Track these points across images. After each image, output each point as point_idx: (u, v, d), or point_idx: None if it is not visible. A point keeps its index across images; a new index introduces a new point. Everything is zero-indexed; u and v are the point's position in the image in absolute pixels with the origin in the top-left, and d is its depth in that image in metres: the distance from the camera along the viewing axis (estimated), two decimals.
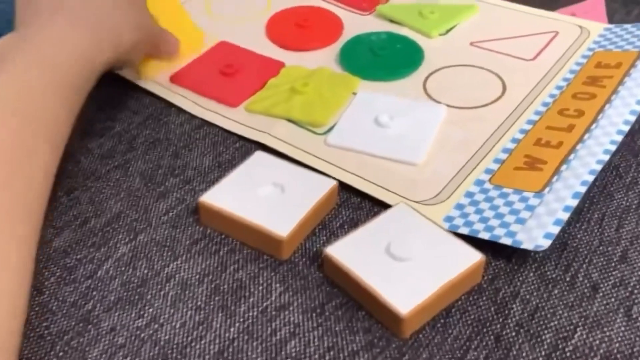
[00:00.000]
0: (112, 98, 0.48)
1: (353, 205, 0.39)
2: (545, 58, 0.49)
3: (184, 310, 0.32)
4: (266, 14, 0.56)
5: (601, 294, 0.33)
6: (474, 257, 0.33)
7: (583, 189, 0.36)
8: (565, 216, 0.35)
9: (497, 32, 0.52)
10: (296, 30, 0.53)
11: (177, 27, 0.49)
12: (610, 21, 0.54)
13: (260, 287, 0.34)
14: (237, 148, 0.43)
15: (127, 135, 0.44)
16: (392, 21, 0.55)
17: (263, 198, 0.37)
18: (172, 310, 0.32)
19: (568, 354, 0.31)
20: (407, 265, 0.33)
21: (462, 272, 0.33)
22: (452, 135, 0.43)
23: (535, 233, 0.34)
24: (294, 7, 0.56)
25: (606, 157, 0.38)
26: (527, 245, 0.34)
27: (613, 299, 0.33)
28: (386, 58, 0.50)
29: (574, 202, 0.35)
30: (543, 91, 0.46)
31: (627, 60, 0.46)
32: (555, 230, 0.34)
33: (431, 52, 0.51)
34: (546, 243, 0.33)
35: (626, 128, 0.40)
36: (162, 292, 0.33)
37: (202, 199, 0.37)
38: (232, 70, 0.48)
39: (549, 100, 0.45)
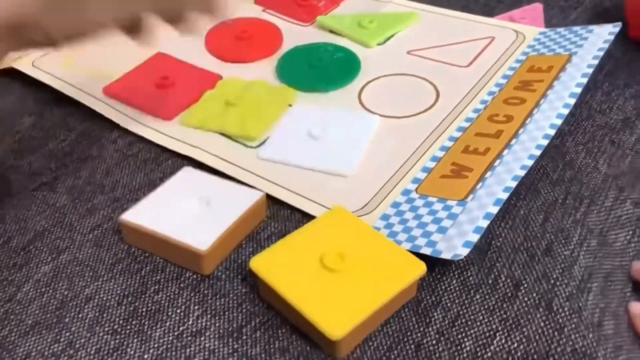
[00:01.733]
0: (46, 113, 0.47)
1: (282, 218, 0.39)
2: (480, 64, 0.49)
3: (101, 334, 0.32)
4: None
5: (523, 291, 0.33)
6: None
7: (505, 196, 0.36)
8: (485, 223, 0.35)
9: (434, 40, 0.53)
10: (235, 42, 0.53)
11: None
12: (548, 26, 0.54)
13: (178, 310, 0.33)
14: (169, 165, 0.43)
15: (59, 152, 0.44)
16: (332, 32, 0.55)
17: (187, 213, 0.36)
18: (88, 335, 0.32)
19: None
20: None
21: (402, 287, 0.32)
22: (384, 145, 0.43)
23: (455, 242, 0.34)
24: (234, 19, 0.56)
25: (530, 162, 0.38)
26: (446, 254, 0.34)
27: (534, 295, 0.33)
28: (323, 69, 0.50)
29: (495, 209, 0.35)
30: (475, 97, 0.46)
31: (558, 63, 0.47)
32: (475, 238, 0.34)
33: (368, 62, 0.51)
34: (464, 252, 0.33)
35: (552, 132, 0.40)
36: (80, 315, 0.33)
37: (123, 217, 0.36)
38: (167, 83, 0.48)
39: (480, 107, 0.45)
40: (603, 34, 0.48)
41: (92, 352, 0.31)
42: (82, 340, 0.32)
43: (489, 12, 0.57)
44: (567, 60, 0.47)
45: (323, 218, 0.36)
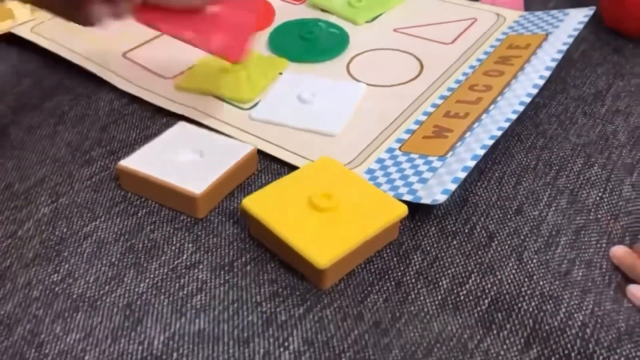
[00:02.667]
0: (44, 76, 0.49)
1: (273, 171, 0.41)
2: (463, 41, 0.52)
3: (98, 266, 0.34)
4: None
5: (496, 242, 0.36)
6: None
7: (482, 152, 0.38)
8: (462, 175, 0.37)
9: (420, 20, 0.55)
10: None
11: None
12: (528, 11, 0.57)
13: (173, 247, 0.35)
14: (164, 123, 0.45)
15: (57, 110, 0.46)
16: (322, 10, 0.57)
17: (181, 162, 0.38)
18: (87, 267, 0.34)
19: (462, 297, 0.33)
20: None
21: (384, 225, 0.34)
22: (370, 110, 0.45)
23: (435, 190, 0.36)
24: None
25: (506, 125, 0.41)
26: (426, 200, 0.36)
27: (507, 247, 0.35)
28: (313, 42, 0.52)
29: (472, 163, 0.38)
30: (457, 70, 0.49)
31: (535, 41, 0.49)
32: (453, 187, 0.36)
33: (357, 38, 0.53)
34: (442, 198, 0.36)
35: (528, 99, 0.43)
36: (78, 250, 0.35)
37: (122, 163, 0.38)
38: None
39: (462, 78, 0.47)
40: (578, 16, 0.51)
41: (91, 280, 0.33)
42: (81, 271, 0.33)
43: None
44: (544, 39, 0.49)
45: (312, 165, 0.38)
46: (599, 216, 0.38)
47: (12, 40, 0.53)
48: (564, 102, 0.47)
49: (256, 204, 0.35)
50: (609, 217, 0.37)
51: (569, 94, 0.47)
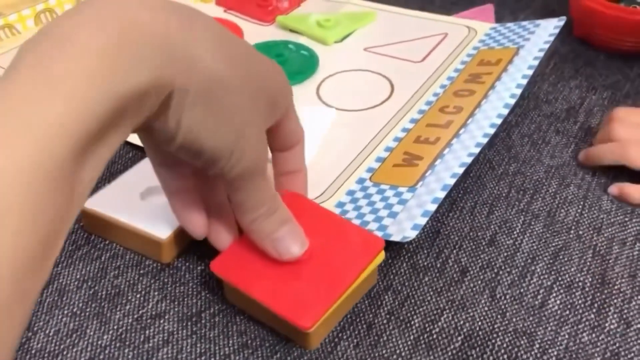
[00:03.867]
0: None
1: None
2: (433, 59, 0.51)
3: (60, 317, 0.33)
4: None
5: (469, 277, 0.35)
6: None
7: (452, 182, 0.38)
8: (433, 207, 0.36)
9: (390, 37, 0.54)
10: None
11: None
12: (499, 22, 0.56)
13: (138, 295, 0.34)
14: (130, 158, 0.44)
15: None
16: (292, 31, 0.56)
17: (146, 203, 0.37)
18: (47, 318, 0.33)
19: (435, 335, 0.32)
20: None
21: (369, 268, 0.32)
22: (340, 137, 0.44)
23: (405, 225, 0.36)
24: None
25: (477, 150, 0.40)
26: (396, 237, 0.35)
27: (479, 282, 0.35)
28: (282, 65, 0.50)
29: (443, 194, 0.37)
30: (428, 91, 0.48)
31: (506, 56, 0.49)
32: (423, 221, 0.35)
33: (327, 59, 0.52)
34: (413, 234, 0.35)
35: (499, 121, 0.42)
36: (39, 300, 0.34)
37: (85, 205, 0.37)
38: None
39: (433, 99, 0.47)
40: (549, 28, 0.50)
41: (51, 333, 0.32)
42: (41, 323, 0.32)
43: (444, 13, 0.59)
44: (515, 53, 0.49)
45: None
46: (580, 232, 0.37)
47: None
48: (537, 120, 0.46)
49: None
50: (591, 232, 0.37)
51: (541, 111, 0.47)
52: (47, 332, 0.32)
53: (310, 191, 0.40)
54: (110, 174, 0.42)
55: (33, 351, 0.31)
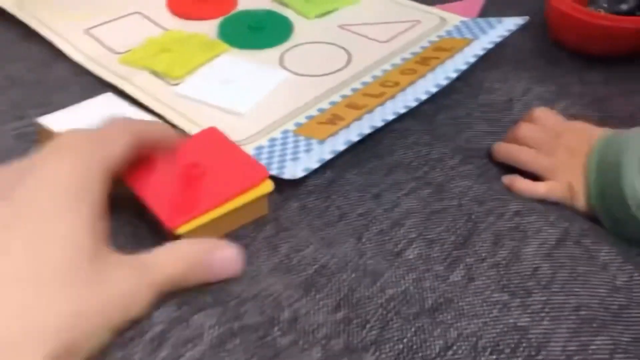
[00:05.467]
0: (18, 45, 0.55)
1: None
2: (397, 41, 0.55)
3: None
4: None
5: (344, 222, 0.38)
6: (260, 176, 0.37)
7: (355, 139, 0.41)
8: (329, 157, 0.40)
9: (367, 18, 0.58)
10: (193, 2, 0.60)
11: None
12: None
13: None
14: (100, 94, 0.50)
15: (16, 74, 0.52)
16: (281, 3, 0.61)
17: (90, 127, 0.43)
18: None
19: (294, 262, 0.36)
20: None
21: (249, 196, 0.36)
22: (283, 95, 0.49)
23: (299, 167, 0.40)
24: None
25: (390, 117, 0.43)
26: (287, 175, 0.39)
27: (352, 227, 0.38)
28: (258, 32, 0.56)
29: (342, 147, 0.40)
30: (380, 67, 0.51)
31: (459, 45, 0.51)
32: (315, 165, 0.39)
33: (301, 31, 0.57)
34: (301, 174, 0.39)
35: (424, 97, 0.45)
36: None
37: (40, 119, 0.43)
38: None
39: (379, 74, 0.50)
40: (509, 25, 0.53)
41: None
42: None
43: (434, 2, 0.62)
44: (468, 43, 0.51)
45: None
46: (462, 202, 0.40)
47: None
48: (470, 106, 0.48)
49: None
50: None
51: (478, 99, 0.49)
52: None
53: (236, 134, 0.44)
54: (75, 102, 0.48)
55: None
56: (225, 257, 0.33)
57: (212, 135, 0.41)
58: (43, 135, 0.44)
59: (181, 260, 0.31)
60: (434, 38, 0.54)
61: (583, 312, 0.33)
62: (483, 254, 0.36)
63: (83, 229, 0.28)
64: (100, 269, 0.28)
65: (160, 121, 0.37)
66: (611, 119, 0.46)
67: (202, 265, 0.32)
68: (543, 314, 0.33)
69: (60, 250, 0.27)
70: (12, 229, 0.26)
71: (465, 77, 0.50)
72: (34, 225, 0.27)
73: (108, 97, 0.47)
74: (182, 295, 0.32)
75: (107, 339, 0.29)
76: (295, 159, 0.41)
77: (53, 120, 0.43)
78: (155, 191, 0.36)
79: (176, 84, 0.50)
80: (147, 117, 0.45)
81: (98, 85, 0.50)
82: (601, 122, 0.44)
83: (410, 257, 0.36)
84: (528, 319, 0.33)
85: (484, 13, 0.61)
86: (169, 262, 0.31)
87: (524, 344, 0.32)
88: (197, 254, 0.32)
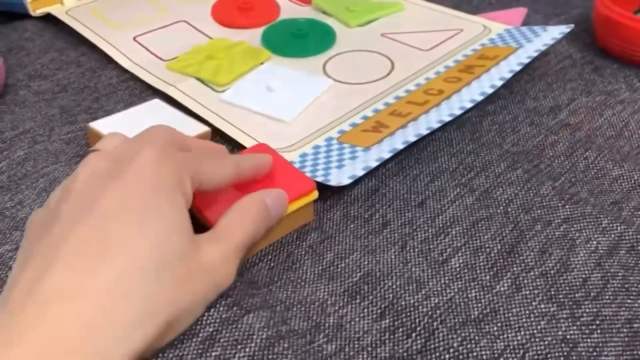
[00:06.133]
0: (68, 52, 0.57)
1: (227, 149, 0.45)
2: (440, 49, 0.54)
3: (45, 197, 0.40)
4: None
5: (388, 230, 0.38)
6: (307, 187, 0.38)
7: (400, 147, 0.41)
8: (374, 164, 0.40)
9: (409, 27, 0.58)
10: (236, 11, 0.61)
11: None
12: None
13: None
14: (147, 100, 0.51)
15: (65, 81, 0.53)
16: (324, 12, 0.61)
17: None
18: (36, 198, 0.40)
19: (339, 269, 0.36)
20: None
21: (295, 206, 0.37)
22: (328, 103, 0.49)
23: (344, 174, 0.40)
24: None
25: (436, 126, 0.43)
26: (333, 182, 0.39)
27: (396, 235, 0.38)
28: (301, 39, 0.57)
29: (388, 155, 0.40)
30: (423, 75, 0.51)
31: (504, 53, 0.51)
32: (360, 173, 0.39)
33: (344, 39, 0.57)
34: (347, 181, 0.39)
35: (469, 105, 0.45)
36: (34, 185, 0.41)
37: (91, 124, 0.44)
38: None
39: (423, 82, 0.50)
40: (554, 33, 0.52)
41: (35, 207, 0.40)
42: (29, 201, 0.40)
43: (475, 11, 0.62)
44: (513, 52, 0.51)
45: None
46: (509, 210, 0.39)
47: (53, 19, 0.62)
48: (515, 112, 0.48)
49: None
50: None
51: (524, 105, 0.49)
52: (32, 207, 0.40)
53: (281, 142, 0.45)
54: (122, 108, 0.50)
55: (17, 219, 0.39)
56: (274, 199, 0.36)
57: (263, 150, 0.41)
58: (93, 139, 0.45)
59: (246, 220, 0.34)
60: (477, 46, 0.54)
61: (636, 325, 0.32)
62: (530, 263, 0.36)
63: (183, 216, 0.31)
64: (193, 251, 0.31)
65: (261, 155, 0.38)
66: None
67: (262, 217, 0.35)
68: (593, 327, 0.32)
69: (169, 238, 0.30)
70: (124, 219, 0.29)
71: (509, 86, 0.50)
72: (142, 214, 0.29)
73: (156, 103, 0.48)
74: (232, 297, 0.33)
75: (201, 312, 0.32)
76: (340, 167, 0.41)
77: (103, 125, 0.44)
78: (209, 202, 0.37)
79: (222, 91, 0.51)
80: (194, 123, 0.45)
81: (145, 91, 0.52)
82: None
83: (456, 265, 0.36)
84: (577, 332, 0.32)
85: (528, 21, 0.61)
86: (236, 227, 0.34)
87: (573, 357, 0.31)
88: (255, 209, 0.35)
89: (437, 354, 0.31)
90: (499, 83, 0.47)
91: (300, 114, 0.48)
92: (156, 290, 0.28)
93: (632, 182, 0.42)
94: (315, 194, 0.38)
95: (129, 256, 0.28)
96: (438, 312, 0.33)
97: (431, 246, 0.37)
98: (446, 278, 0.35)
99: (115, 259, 0.28)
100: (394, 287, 0.35)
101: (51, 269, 0.27)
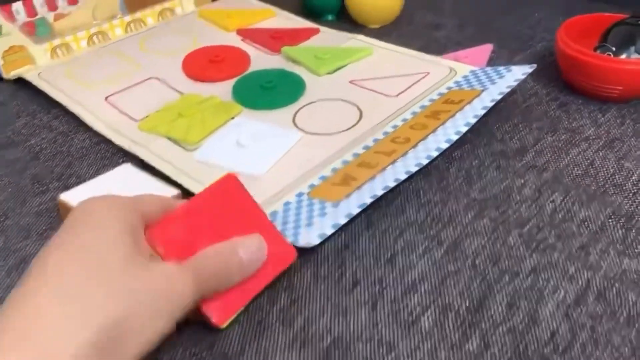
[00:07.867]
0: (40, 116, 0.57)
1: None
2: (407, 95, 0.55)
3: (16, 278, 0.40)
4: (192, 49, 0.65)
5: (358, 289, 0.38)
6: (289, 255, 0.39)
7: (369, 201, 0.41)
8: (343, 221, 0.40)
9: (378, 72, 0.59)
10: (207, 64, 0.62)
11: None
12: (490, 66, 0.59)
13: None
14: (120, 163, 0.51)
15: (37, 147, 0.54)
16: (294, 61, 0.62)
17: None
18: (7, 280, 0.40)
19: (310, 335, 0.36)
20: None
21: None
22: (298, 156, 0.49)
23: (313, 233, 0.40)
24: (212, 45, 0.65)
25: (403, 177, 0.43)
26: (302, 243, 0.40)
27: (366, 294, 0.38)
28: (270, 91, 0.57)
29: (356, 211, 0.41)
30: (390, 123, 0.52)
31: (469, 97, 0.52)
32: (330, 231, 0.40)
33: (313, 88, 0.58)
34: (317, 241, 0.39)
35: (435, 154, 0.45)
36: (2, 263, 0.41)
37: (61, 196, 0.45)
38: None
39: (390, 130, 0.51)
40: (517, 74, 0.53)
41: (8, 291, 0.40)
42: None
43: (443, 50, 0.63)
44: (477, 95, 0.51)
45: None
46: (477, 262, 0.40)
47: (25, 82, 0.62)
48: (482, 156, 0.48)
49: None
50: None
51: (490, 148, 0.49)
52: (3, 290, 0.40)
53: (257, 198, 0.45)
54: (99, 174, 0.50)
55: None
56: (250, 251, 0.37)
57: (230, 182, 0.40)
58: (64, 212, 0.45)
59: (218, 260, 0.36)
60: (443, 90, 0.55)
61: None
62: (498, 319, 0.36)
63: (127, 235, 0.33)
64: (144, 263, 0.32)
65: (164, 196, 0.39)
66: (625, 159, 0.45)
67: (235, 268, 0.36)
68: None
69: (112, 250, 0.31)
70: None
71: (476, 128, 0.51)
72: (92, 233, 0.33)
73: (126, 168, 0.48)
74: None
75: (161, 328, 0.31)
76: (309, 225, 0.41)
77: (73, 196, 0.45)
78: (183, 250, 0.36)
79: (194, 149, 0.51)
80: (164, 186, 0.46)
81: (118, 153, 0.52)
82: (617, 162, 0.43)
83: (425, 325, 0.36)
84: None
85: (494, 57, 0.61)
86: (206, 261, 0.35)
87: None
88: (228, 255, 0.36)
89: None
90: (464, 129, 0.47)
91: (271, 168, 0.48)
92: (97, 289, 0.29)
93: (599, 223, 0.42)
94: (294, 257, 0.39)
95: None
96: None
97: (401, 305, 0.37)
98: (416, 339, 0.35)
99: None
100: (364, 351, 0.35)
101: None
